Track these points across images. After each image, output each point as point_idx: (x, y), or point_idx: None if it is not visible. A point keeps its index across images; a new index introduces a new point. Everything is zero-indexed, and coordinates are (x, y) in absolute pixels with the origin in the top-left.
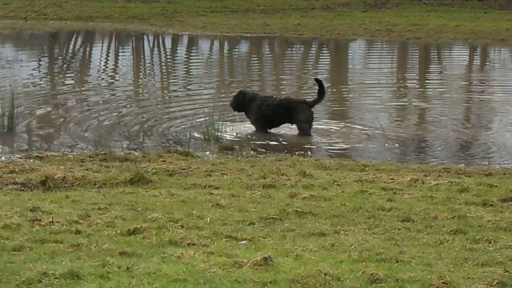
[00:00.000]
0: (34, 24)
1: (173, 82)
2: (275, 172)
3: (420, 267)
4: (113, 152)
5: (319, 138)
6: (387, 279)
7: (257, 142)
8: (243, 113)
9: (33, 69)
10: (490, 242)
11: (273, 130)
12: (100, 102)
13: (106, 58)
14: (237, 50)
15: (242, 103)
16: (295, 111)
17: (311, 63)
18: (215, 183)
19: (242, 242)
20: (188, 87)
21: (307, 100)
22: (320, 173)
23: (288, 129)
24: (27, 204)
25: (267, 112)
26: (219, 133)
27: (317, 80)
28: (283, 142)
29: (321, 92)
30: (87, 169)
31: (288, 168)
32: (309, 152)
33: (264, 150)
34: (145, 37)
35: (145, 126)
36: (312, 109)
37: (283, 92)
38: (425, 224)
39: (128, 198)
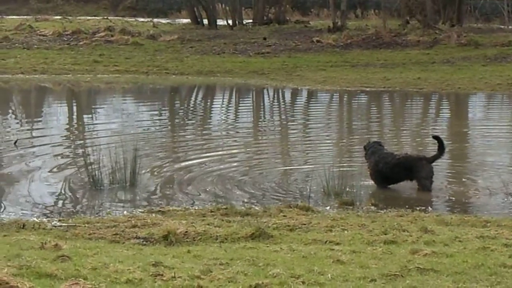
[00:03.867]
0: (155, 79)
1: (292, 135)
2: (396, 228)
3: None
4: (234, 207)
5: (440, 193)
6: None
7: (378, 197)
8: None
9: (154, 123)
10: None
11: (393, 186)
12: (221, 155)
13: (226, 112)
14: (356, 104)
15: (365, 155)
16: (414, 168)
17: (431, 117)
18: (335, 239)
19: None
20: (307, 140)
21: (427, 156)
22: (442, 229)
23: (409, 184)
24: (149, 258)
25: (384, 170)
26: (339, 188)
27: (435, 137)
28: (404, 197)
29: (441, 148)
30: (208, 224)
31: (409, 224)
32: (430, 207)
33: (384, 205)
34: (265, 91)
35: (265, 180)
36: (432, 165)
37: (402, 145)
38: None
39: (249, 253)
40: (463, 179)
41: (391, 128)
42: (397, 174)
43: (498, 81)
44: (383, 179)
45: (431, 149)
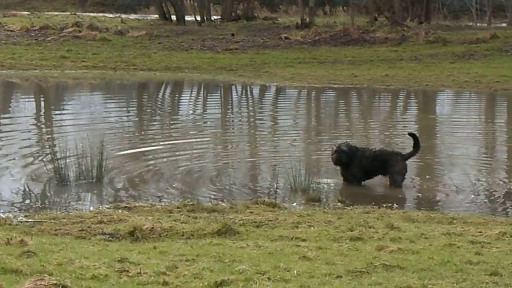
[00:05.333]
0: (123, 75)
1: (260, 132)
2: (362, 224)
3: None
4: (200, 203)
5: (407, 190)
6: None
7: (344, 194)
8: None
9: (122, 118)
10: None
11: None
12: (188, 152)
13: (194, 108)
14: (324, 100)
15: (354, 156)
16: (389, 161)
17: (398, 114)
18: (302, 235)
19: None
20: (274, 137)
21: (402, 152)
22: (408, 226)
23: (375, 182)
24: (115, 254)
25: (366, 165)
26: (306, 184)
27: (411, 134)
28: (371, 194)
29: (416, 145)
30: (175, 220)
31: (375, 221)
32: (396, 204)
33: (351, 202)
34: (233, 87)
35: (232, 176)
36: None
37: (369, 142)
38: None
39: (215, 250)
40: (430, 176)
41: (358, 124)
42: (375, 167)
43: (466, 78)
44: (364, 174)
45: (394, 143)
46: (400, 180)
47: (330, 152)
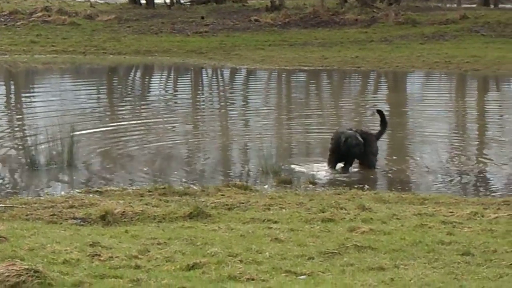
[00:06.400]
0: (93, 59)
1: (230, 115)
2: (334, 206)
3: None
4: (172, 186)
5: (378, 171)
6: None
7: (316, 176)
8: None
9: (92, 103)
10: None
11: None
12: (159, 135)
13: (164, 92)
14: (295, 82)
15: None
16: (367, 141)
17: (369, 95)
18: (273, 217)
19: (301, 277)
20: (245, 120)
21: (374, 133)
22: (379, 207)
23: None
24: (86, 239)
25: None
26: (277, 166)
27: (378, 111)
28: (342, 176)
29: (383, 123)
30: (146, 204)
31: (347, 202)
32: (367, 185)
33: (322, 183)
34: (203, 70)
35: (203, 159)
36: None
37: (340, 122)
38: (485, 258)
39: (187, 233)
40: (401, 157)
41: (329, 106)
42: None
43: (436, 59)
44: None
45: (364, 124)
46: (375, 161)
47: (337, 138)
